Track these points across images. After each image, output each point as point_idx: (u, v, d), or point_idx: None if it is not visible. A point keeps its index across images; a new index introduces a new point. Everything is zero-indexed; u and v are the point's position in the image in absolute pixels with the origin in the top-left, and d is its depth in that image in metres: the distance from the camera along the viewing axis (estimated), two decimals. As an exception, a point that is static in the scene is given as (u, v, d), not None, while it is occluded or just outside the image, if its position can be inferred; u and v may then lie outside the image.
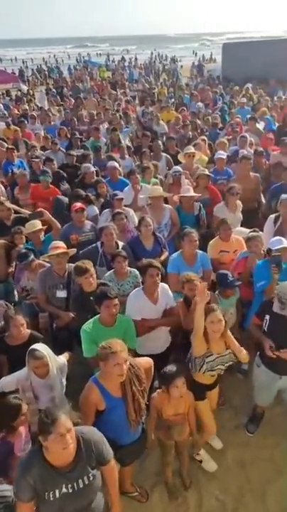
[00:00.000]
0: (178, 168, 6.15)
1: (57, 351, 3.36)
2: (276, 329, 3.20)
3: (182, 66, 29.60)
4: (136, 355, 3.25)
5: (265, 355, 3.24)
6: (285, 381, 3.34)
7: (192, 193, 5.32)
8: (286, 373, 3.29)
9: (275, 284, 3.49)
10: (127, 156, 7.83)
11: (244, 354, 3.06)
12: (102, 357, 2.55)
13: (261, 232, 4.41)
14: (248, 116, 9.40)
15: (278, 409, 3.84)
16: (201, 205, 5.35)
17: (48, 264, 4.28)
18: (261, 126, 9.03)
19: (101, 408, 2.64)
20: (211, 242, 4.60)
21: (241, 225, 5.20)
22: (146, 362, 2.95)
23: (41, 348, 3.04)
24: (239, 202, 5.29)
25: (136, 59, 33.59)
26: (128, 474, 3.18)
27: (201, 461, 3.47)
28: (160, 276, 3.51)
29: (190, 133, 8.94)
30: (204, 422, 3.30)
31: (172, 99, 15.26)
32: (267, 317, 3.25)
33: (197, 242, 4.14)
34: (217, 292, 3.89)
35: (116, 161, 6.87)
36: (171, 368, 2.92)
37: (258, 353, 3.46)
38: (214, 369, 3.06)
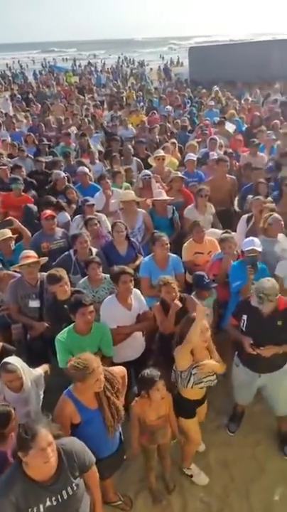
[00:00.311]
0: (147, 171, 6.15)
1: (33, 362, 3.27)
2: (254, 329, 3.21)
3: (151, 69, 29.81)
4: (111, 364, 3.20)
5: (244, 354, 3.26)
6: (265, 379, 3.36)
7: (165, 197, 5.33)
8: (265, 371, 3.31)
9: (251, 284, 3.53)
10: (97, 161, 7.77)
11: (219, 365, 3.03)
12: (79, 378, 2.48)
13: (233, 233, 4.46)
14: (217, 118, 9.53)
15: (258, 408, 3.87)
16: (174, 208, 5.37)
17: (18, 275, 4.17)
18: (231, 128, 9.15)
19: (76, 421, 2.58)
20: (185, 244, 4.61)
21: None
22: (120, 371, 2.92)
23: (14, 361, 2.95)
24: (209, 204, 5.34)
25: (104, 63, 33.51)
26: (110, 484, 3.12)
27: (192, 476, 3.39)
28: (133, 282, 3.48)
29: (157, 136, 8.96)
30: (191, 437, 3.24)
31: (141, 103, 15.33)
32: (244, 317, 3.27)
33: (169, 246, 4.14)
34: (193, 294, 3.90)
35: (86, 166, 6.80)
36: (150, 371, 2.88)
37: (236, 352, 3.48)
38: (201, 381, 2.96)
